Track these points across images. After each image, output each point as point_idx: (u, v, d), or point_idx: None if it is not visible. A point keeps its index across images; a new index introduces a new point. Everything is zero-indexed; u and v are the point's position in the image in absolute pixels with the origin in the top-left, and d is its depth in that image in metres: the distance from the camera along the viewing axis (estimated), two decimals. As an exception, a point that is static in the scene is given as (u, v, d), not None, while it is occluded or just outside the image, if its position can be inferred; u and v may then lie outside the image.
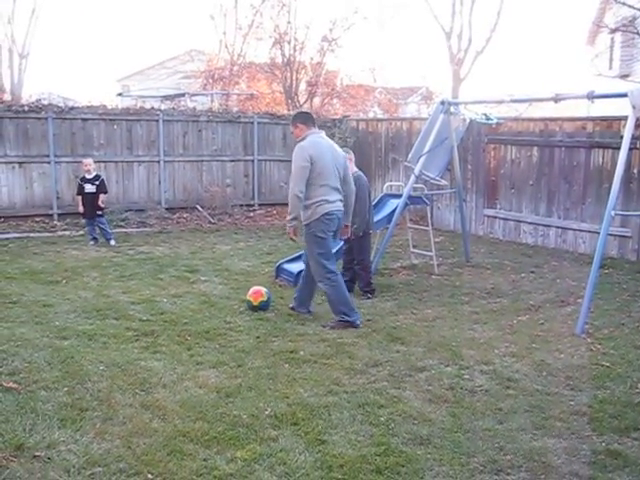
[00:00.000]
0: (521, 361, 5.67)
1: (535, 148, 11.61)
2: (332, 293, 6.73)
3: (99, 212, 11.16)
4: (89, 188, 11.16)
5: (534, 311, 7.33)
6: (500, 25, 26.37)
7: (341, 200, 6.79)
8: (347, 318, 6.65)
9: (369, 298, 7.81)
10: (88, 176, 11.25)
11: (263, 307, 7.13)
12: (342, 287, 6.76)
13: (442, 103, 9.31)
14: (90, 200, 11.14)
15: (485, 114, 9.32)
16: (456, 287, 8.45)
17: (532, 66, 51.29)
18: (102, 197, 11.20)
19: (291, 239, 6.85)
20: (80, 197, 11.30)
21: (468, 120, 9.78)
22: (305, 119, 6.87)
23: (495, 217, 12.41)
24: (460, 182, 10.25)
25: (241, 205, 14.89)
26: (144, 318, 6.75)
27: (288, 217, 6.66)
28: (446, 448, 4.08)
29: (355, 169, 8.17)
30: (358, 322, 6.67)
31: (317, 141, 6.71)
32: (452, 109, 9.27)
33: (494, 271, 9.41)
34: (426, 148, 9.09)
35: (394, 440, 4.18)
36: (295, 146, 6.74)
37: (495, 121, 9.34)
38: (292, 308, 7.12)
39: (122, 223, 13.12)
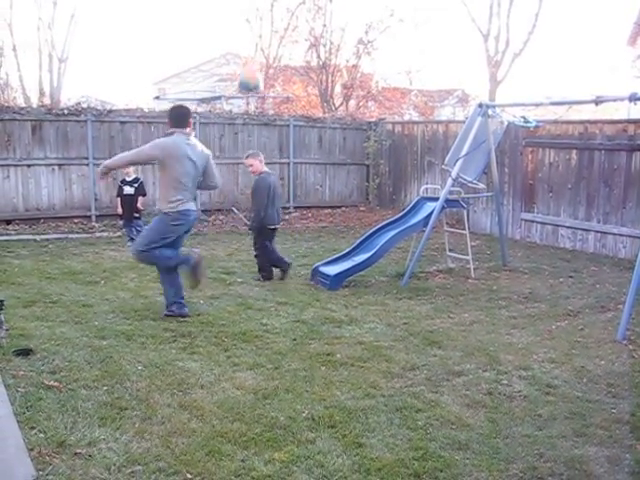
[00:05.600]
0: (560, 367, 5.59)
1: (574, 151, 11.45)
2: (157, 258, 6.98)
3: (136, 214, 11.28)
4: (128, 190, 11.29)
5: (573, 316, 7.22)
6: (538, 27, 25.87)
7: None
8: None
9: (261, 280, 8.64)
10: (127, 178, 11.39)
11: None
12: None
13: (480, 106, 9.23)
14: (128, 202, 11.26)
15: (524, 117, 9.24)
16: (493, 291, 8.37)
17: (571, 68, 50.66)
18: (141, 200, 11.33)
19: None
20: (119, 199, 11.46)
21: (506, 123, 9.68)
22: (170, 117, 6.96)
23: (532, 221, 12.27)
24: (498, 185, 10.15)
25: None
26: (181, 319, 6.80)
27: (105, 163, 6.99)
28: (485, 454, 4.04)
29: (264, 169, 8.81)
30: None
31: (172, 141, 6.76)
32: (490, 112, 9.19)
33: (532, 276, 9.29)
34: (463, 151, 9.01)
35: (432, 445, 4.15)
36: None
37: (534, 124, 9.26)
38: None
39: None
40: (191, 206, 6.90)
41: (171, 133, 6.81)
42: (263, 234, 8.82)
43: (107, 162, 7.03)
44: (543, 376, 5.36)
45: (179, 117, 6.89)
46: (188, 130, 6.90)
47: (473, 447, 4.12)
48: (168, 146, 6.73)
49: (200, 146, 7.02)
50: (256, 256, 8.93)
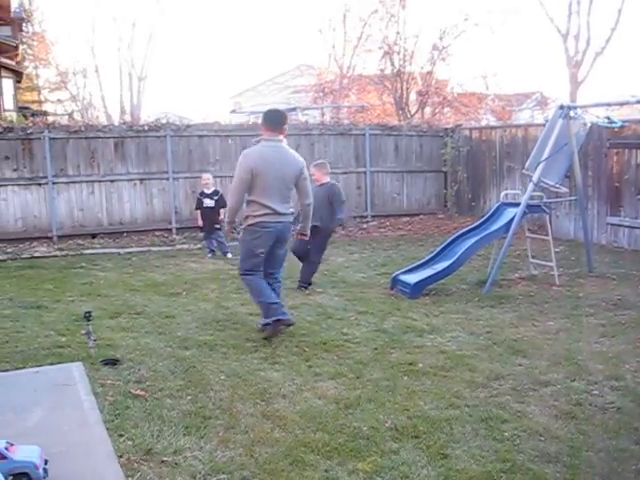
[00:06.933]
0: (655, 377, 5.33)
1: (663, 151, 10.99)
2: (251, 293, 6.77)
3: (217, 226, 11.48)
4: (208, 203, 11.51)
5: (667, 324, 6.90)
6: (622, 23, 25.00)
7: (285, 213, 6.50)
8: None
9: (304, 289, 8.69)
10: (207, 191, 11.62)
11: None
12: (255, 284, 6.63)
13: (561, 108, 8.98)
14: (209, 214, 11.48)
15: (608, 117, 8.93)
16: (579, 298, 8.08)
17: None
18: (223, 211, 11.54)
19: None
20: (199, 211, 11.68)
21: (589, 124, 9.38)
22: (266, 121, 6.52)
23: (619, 225, 11.82)
24: (581, 189, 9.83)
25: (354, 217, 14.91)
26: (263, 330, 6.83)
27: (226, 219, 7.02)
28: (577, 468, 3.87)
29: (327, 179, 9.01)
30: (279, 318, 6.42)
31: (264, 151, 6.39)
32: (572, 113, 8.92)
33: (620, 282, 8.93)
34: (545, 155, 8.78)
35: (520, 457, 4.01)
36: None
37: (619, 124, 8.95)
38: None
39: (238, 236, 13.38)
40: (271, 218, 6.42)
41: (258, 141, 6.52)
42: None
43: (227, 219, 6.85)
44: (637, 387, 5.11)
45: (270, 120, 6.50)
46: (281, 137, 6.50)
47: (564, 460, 3.96)
48: (248, 159, 6.39)
49: (291, 154, 6.59)
50: (311, 263, 8.86)
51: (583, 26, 23.65)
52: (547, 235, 9.30)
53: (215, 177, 13.07)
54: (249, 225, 6.47)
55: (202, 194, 11.68)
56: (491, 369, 5.56)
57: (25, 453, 3.49)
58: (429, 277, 8.49)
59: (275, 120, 6.50)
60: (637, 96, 8.63)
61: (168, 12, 39.84)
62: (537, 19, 44.88)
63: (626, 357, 5.82)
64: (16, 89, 22.20)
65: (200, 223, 11.72)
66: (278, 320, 6.39)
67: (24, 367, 5.63)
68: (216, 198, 11.56)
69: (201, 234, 12.26)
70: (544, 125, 9.89)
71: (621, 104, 9.03)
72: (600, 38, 23.73)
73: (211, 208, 11.49)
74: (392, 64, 20.92)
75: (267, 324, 6.45)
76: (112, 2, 36.84)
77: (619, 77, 45.50)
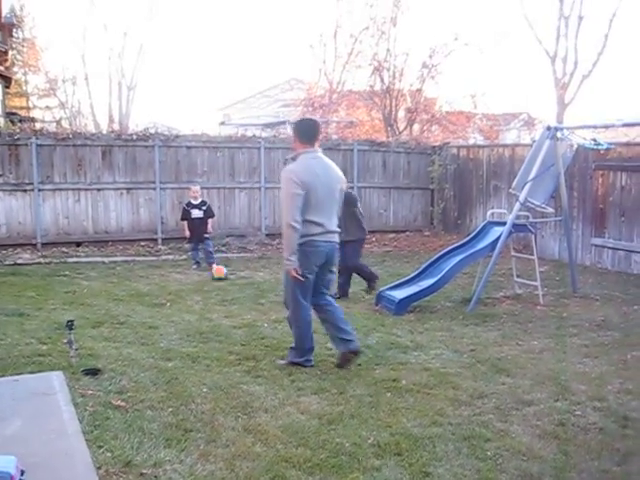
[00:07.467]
0: (638, 399, 5.32)
1: (647, 175, 11.08)
2: (293, 321, 6.10)
3: (206, 236, 11.50)
4: (196, 213, 11.53)
5: (649, 346, 6.92)
6: (608, 47, 25.15)
7: (334, 231, 5.99)
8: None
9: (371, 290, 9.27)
10: (194, 202, 11.61)
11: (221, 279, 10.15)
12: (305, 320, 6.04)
13: (548, 128, 9.04)
14: (197, 225, 11.50)
15: (594, 139, 9.00)
16: (563, 318, 8.11)
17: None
18: (211, 222, 11.59)
19: (294, 277, 5.80)
20: (186, 222, 11.65)
21: (576, 146, 9.45)
22: (300, 134, 5.95)
23: (603, 246, 11.89)
24: (567, 210, 9.88)
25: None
26: (246, 342, 6.80)
27: (285, 254, 5.78)
28: (559, 488, 3.86)
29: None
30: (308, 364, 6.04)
31: (309, 164, 5.81)
32: (559, 134, 8.99)
33: (604, 303, 8.98)
34: (531, 175, 8.83)
35: (502, 476, 3.99)
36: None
37: (605, 146, 9.01)
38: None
39: (223, 248, 13.41)
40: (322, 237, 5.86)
41: (295, 157, 5.97)
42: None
43: (287, 252, 5.75)
44: (619, 408, 5.12)
45: (306, 133, 5.94)
46: (317, 148, 5.96)
47: (546, 481, 3.95)
48: (295, 173, 5.76)
49: (334, 166, 6.07)
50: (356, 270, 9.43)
51: (571, 49, 23.80)
52: (532, 255, 9.35)
53: (202, 188, 13.03)
54: (297, 245, 5.79)
55: (189, 205, 11.67)
56: (474, 387, 5.55)
57: (1, 463, 3.43)
58: (414, 294, 8.49)
59: (311, 132, 5.97)
60: (622, 119, 8.73)
61: (159, 23, 39.91)
62: (526, 41, 45.26)
63: (609, 378, 5.84)
64: (4, 95, 22.07)
65: (187, 234, 11.69)
66: (297, 364, 6.03)
67: (3, 375, 5.56)
68: (204, 208, 11.57)
69: (187, 245, 12.22)
70: (531, 145, 9.97)
71: (606, 127, 9.12)
72: (587, 61, 23.89)
73: (200, 219, 11.52)
74: (382, 80, 21.00)
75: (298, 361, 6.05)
76: (103, 11, 36.87)
77: (605, 100, 45.92)
